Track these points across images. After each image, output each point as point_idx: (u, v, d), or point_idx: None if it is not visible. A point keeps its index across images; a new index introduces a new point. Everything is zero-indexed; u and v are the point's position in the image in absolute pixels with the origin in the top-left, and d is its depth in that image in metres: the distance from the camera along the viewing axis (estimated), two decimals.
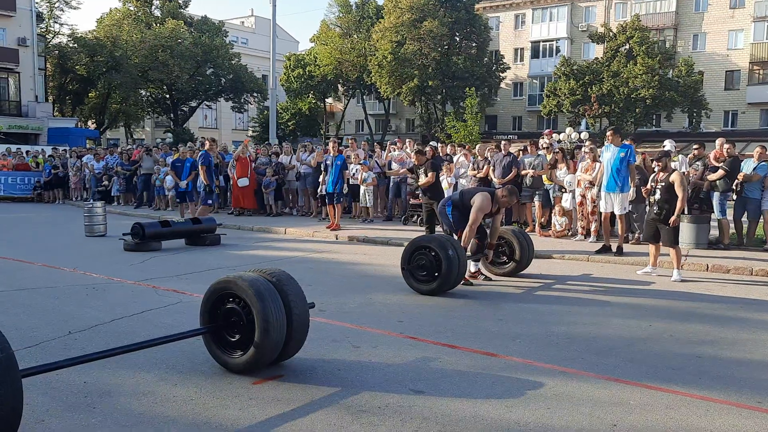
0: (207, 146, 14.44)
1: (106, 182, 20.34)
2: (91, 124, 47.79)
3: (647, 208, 9.09)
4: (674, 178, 8.42)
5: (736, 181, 10.66)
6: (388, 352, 5.20)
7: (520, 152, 13.65)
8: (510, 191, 8.22)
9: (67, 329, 5.70)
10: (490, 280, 8.35)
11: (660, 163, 8.73)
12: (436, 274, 7.25)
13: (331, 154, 13.71)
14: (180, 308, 6.56)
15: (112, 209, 18.38)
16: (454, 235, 8.19)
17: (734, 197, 10.93)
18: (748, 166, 10.71)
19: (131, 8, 47.78)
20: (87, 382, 4.43)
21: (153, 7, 49.16)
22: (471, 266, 8.38)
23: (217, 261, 9.74)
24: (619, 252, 10.00)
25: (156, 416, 3.88)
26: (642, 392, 4.35)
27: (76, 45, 42.38)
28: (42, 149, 26.73)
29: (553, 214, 12.43)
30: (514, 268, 8.56)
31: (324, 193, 13.88)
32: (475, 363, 4.96)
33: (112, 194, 19.96)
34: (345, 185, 13.58)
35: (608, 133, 10.10)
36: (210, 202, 13.95)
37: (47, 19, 44.53)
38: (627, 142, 10.39)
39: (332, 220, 13.49)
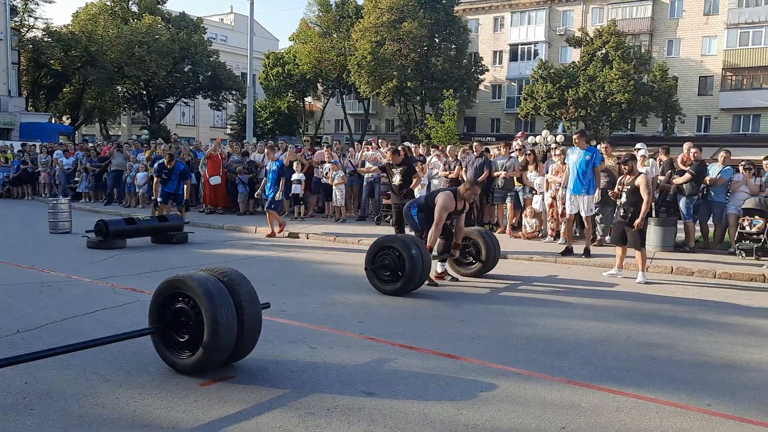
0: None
1: (78, 179, 20.00)
2: (66, 120, 47.03)
3: (616, 210, 9.14)
4: (639, 181, 8.46)
5: (703, 185, 10.77)
6: (344, 354, 5.13)
7: (485, 153, 13.61)
8: (471, 183, 8.18)
9: (15, 328, 5.55)
10: (457, 280, 8.33)
11: (626, 167, 8.78)
12: (400, 273, 7.20)
13: (269, 159, 13.22)
14: (136, 307, 6.42)
15: (81, 206, 18.10)
16: (420, 235, 8.15)
17: (700, 200, 11.04)
18: (713, 171, 10.83)
19: (108, 3, 47.10)
20: (28, 382, 4.29)
21: (130, 2, 48.52)
22: (437, 267, 8.35)
23: (181, 260, 9.59)
24: (586, 254, 10.04)
25: (96, 418, 3.77)
26: (594, 394, 4.33)
27: (50, 39, 41.67)
28: (11, 144, 26.22)
29: (523, 216, 12.45)
30: (481, 269, 8.54)
31: (264, 198, 13.15)
32: (431, 364, 4.91)
33: (79, 191, 19.60)
34: (280, 192, 12.51)
35: (574, 136, 10.15)
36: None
37: (21, 13, 43.70)
38: (593, 145, 10.46)
39: (270, 227, 12.72)
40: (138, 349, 4.96)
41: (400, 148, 15.00)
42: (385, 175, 14.52)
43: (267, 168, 13.20)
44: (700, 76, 41.32)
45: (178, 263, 9.17)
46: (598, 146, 10.78)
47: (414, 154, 15.05)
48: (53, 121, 43.03)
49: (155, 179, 13.04)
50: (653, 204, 11.02)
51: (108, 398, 4.08)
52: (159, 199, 12.84)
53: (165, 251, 10.53)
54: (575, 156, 9.97)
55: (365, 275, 7.53)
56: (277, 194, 12.37)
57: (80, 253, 10.18)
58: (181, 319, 4.52)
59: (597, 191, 10.03)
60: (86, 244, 10.68)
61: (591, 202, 10.02)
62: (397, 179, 10.39)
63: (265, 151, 13.42)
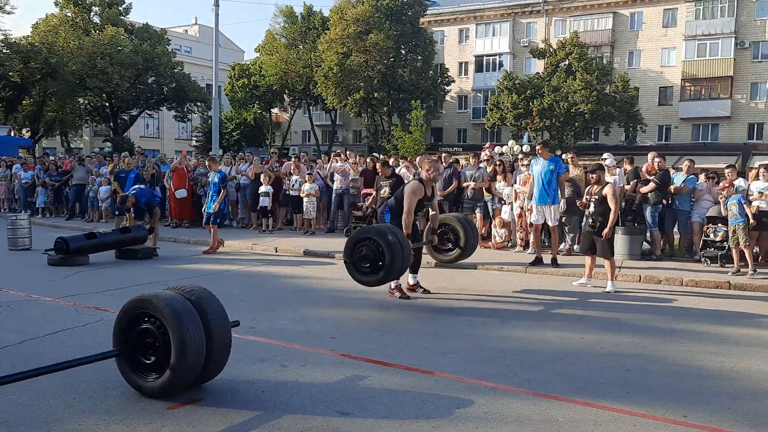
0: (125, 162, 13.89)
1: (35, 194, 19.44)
2: (26, 133, 45.86)
3: (584, 219, 9.20)
4: (607, 191, 8.54)
5: (668, 193, 10.94)
6: (316, 371, 5.01)
7: (454, 164, 13.61)
8: (430, 161, 8.08)
9: None
10: (428, 293, 8.25)
11: (594, 176, 8.86)
12: (380, 263, 7.01)
13: (211, 171, 12.67)
14: (100, 327, 6.19)
15: (42, 221, 17.60)
16: None
17: (665, 209, 11.22)
18: (678, 179, 11.01)
19: (69, 14, 46.20)
20: None
21: (92, 13, 47.68)
22: (409, 278, 8.27)
23: (146, 275, 9.34)
24: (554, 263, 10.09)
25: None
26: (570, 408, 4.29)
27: (9, 51, 40.66)
28: None
29: (493, 226, 12.49)
30: (459, 255, 8.47)
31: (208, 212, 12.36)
32: (406, 381, 4.82)
33: (37, 206, 19.04)
34: (217, 204, 11.93)
35: (538, 147, 10.27)
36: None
37: None
38: (557, 155, 10.59)
39: (212, 242, 12.08)
40: (102, 372, 4.77)
41: (368, 159, 15.07)
42: (353, 185, 14.59)
43: (209, 180, 12.64)
44: (660, 87, 42.28)
45: (143, 279, 8.92)
46: (564, 156, 10.91)
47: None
48: (12, 134, 41.89)
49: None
50: (620, 213, 11.16)
51: (70, 425, 3.90)
52: (115, 212, 12.64)
53: (130, 267, 10.25)
54: (539, 166, 10.06)
55: (337, 288, 7.46)
56: (213, 206, 11.85)
57: (41, 271, 9.85)
58: (147, 340, 4.35)
59: (562, 201, 10.12)
60: (47, 262, 10.34)
61: (556, 212, 10.11)
62: (386, 191, 10.36)
63: (206, 163, 12.94)
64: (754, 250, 10.19)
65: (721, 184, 10.33)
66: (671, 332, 6.45)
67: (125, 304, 4.45)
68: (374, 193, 13.97)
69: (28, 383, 4.33)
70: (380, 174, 10.46)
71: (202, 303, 4.43)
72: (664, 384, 4.81)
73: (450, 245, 8.51)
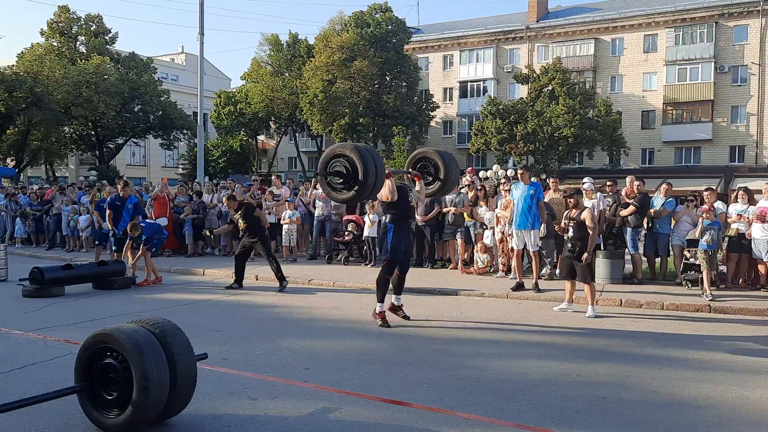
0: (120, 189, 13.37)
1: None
2: (10, 162, 45.56)
3: (565, 244, 9.19)
4: (585, 215, 8.54)
5: (647, 217, 10.97)
6: (286, 404, 4.90)
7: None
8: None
9: None
10: (408, 319, 8.15)
11: (572, 200, 8.87)
12: (353, 181, 6.78)
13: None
14: (68, 361, 6.02)
15: (21, 251, 17.38)
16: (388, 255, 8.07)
17: (645, 232, 11.24)
18: (656, 202, 11.05)
19: (54, 44, 46.30)
20: None
21: (78, 42, 47.80)
22: (393, 299, 8.16)
23: (121, 306, 9.18)
24: (536, 288, 10.04)
25: None
26: None
27: None
28: None
29: (475, 251, 12.45)
30: (440, 188, 8.34)
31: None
32: (377, 413, 4.72)
33: (15, 236, 18.82)
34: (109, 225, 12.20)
35: (519, 172, 10.27)
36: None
37: None
38: (535, 180, 10.61)
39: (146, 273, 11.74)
40: (63, 408, 4.64)
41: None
42: (335, 212, 14.55)
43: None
44: (642, 111, 42.82)
45: (118, 311, 8.77)
46: (547, 180, 10.92)
47: None
48: None
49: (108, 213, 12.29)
50: (601, 237, 11.17)
51: None
52: (95, 242, 12.38)
53: (105, 298, 10.09)
54: (519, 191, 10.07)
55: (314, 317, 7.34)
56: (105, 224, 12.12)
57: (14, 303, 9.66)
58: (109, 376, 4.24)
59: (542, 225, 10.11)
60: (22, 293, 10.16)
61: (536, 237, 10.09)
62: (241, 223, 11.08)
63: (119, 186, 12.92)
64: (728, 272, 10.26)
65: (703, 206, 10.36)
66: (649, 358, 6.39)
67: (87, 338, 4.34)
68: (357, 219, 13.97)
69: None
70: (229, 209, 11.49)
71: (167, 336, 4.33)
72: (638, 413, 4.74)
73: (430, 178, 8.33)
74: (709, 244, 9.50)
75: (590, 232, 8.46)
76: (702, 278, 9.63)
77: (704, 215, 9.86)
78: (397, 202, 7.88)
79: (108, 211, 12.28)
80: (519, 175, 10.18)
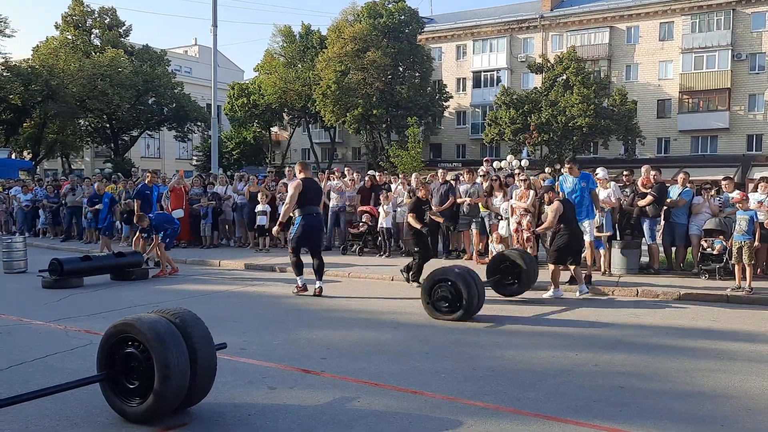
0: (148, 179, 13.67)
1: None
2: (27, 155, 46.03)
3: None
4: (550, 207, 9.15)
5: (664, 206, 10.88)
6: (304, 393, 4.94)
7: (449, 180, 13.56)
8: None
9: None
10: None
11: (547, 197, 9.40)
12: (458, 304, 7.52)
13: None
14: (89, 351, 6.11)
15: (39, 243, 17.58)
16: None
17: (662, 222, 11.15)
18: (673, 192, 10.96)
19: (69, 37, 46.57)
20: None
21: (92, 35, 48.07)
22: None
23: (140, 297, 9.29)
24: (588, 280, 9.74)
25: None
26: (561, 428, 4.22)
27: (9, 74, 40.93)
28: None
29: (490, 242, 12.42)
30: (519, 287, 9.05)
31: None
32: (394, 402, 4.75)
33: (37, 228, 19.07)
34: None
35: (566, 165, 10.25)
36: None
37: None
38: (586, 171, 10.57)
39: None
40: (85, 397, 4.71)
41: (366, 177, 15.08)
42: (350, 203, 14.60)
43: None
44: (658, 100, 42.37)
45: (137, 301, 8.86)
46: (562, 170, 10.86)
47: (378, 183, 15.04)
48: (13, 156, 42.02)
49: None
50: (617, 227, 11.11)
51: None
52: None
53: (123, 289, 10.20)
54: (569, 184, 9.99)
55: (330, 308, 7.39)
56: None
57: (34, 294, 9.80)
58: (131, 365, 4.30)
59: (597, 215, 10.21)
60: (41, 284, 10.30)
61: (591, 227, 10.05)
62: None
63: (96, 185, 14.04)
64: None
65: (737, 195, 10.08)
66: (666, 349, 6.37)
67: (109, 328, 4.41)
68: (371, 210, 13.99)
69: (9, 410, 4.27)
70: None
71: (187, 326, 4.38)
72: (656, 403, 4.74)
73: (511, 279, 9.03)
74: (743, 234, 9.14)
75: (548, 218, 9.09)
76: (735, 270, 9.32)
77: (738, 205, 9.62)
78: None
79: (137, 201, 12.72)
80: (567, 170, 10.10)
